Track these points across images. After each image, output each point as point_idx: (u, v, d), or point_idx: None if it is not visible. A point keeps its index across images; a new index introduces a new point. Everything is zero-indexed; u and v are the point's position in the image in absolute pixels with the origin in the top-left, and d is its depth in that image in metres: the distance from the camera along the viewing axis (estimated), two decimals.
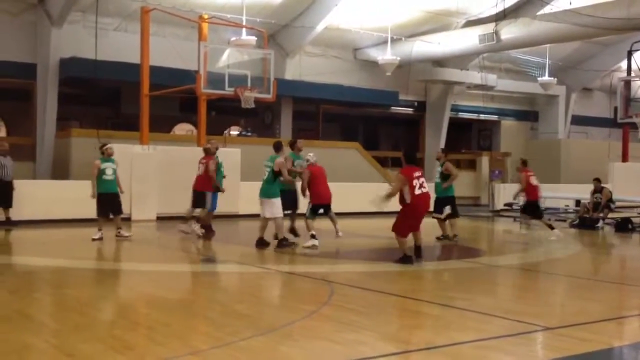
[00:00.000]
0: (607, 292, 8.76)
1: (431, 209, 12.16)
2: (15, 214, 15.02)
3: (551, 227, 14.47)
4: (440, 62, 26.08)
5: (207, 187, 13.28)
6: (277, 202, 11.75)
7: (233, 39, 19.71)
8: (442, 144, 27.48)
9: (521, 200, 15.41)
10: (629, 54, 25.11)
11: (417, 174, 9.82)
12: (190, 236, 13.24)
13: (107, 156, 12.85)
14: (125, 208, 16.16)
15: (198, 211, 13.52)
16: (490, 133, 31.64)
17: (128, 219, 16.20)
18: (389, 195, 9.80)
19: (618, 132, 27.78)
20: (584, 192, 18.65)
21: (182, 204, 15.99)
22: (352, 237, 14.44)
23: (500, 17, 21.89)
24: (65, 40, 19.04)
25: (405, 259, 9.93)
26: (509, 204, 20.97)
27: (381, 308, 7.36)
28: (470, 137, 32.57)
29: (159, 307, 7.40)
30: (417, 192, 9.68)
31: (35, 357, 5.32)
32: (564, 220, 18.79)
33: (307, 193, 12.55)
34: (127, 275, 9.87)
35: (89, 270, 9.77)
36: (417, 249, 10.09)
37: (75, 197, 16.14)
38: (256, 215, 14.02)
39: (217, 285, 9.12)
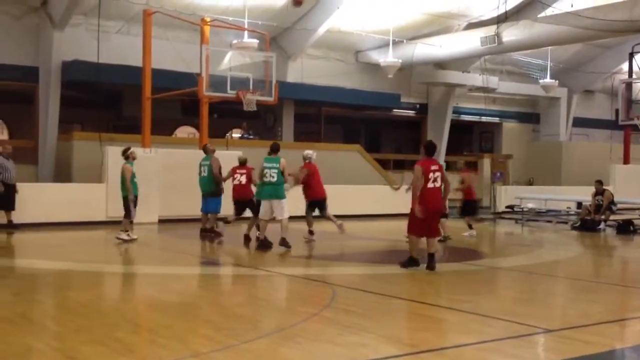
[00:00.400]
0: (609, 294, 8.76)
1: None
2: (18, 216, 15.03)
3: (470, 227, 14.77)
4: (441, 64, 26.07)
5: (248, 194, 13.32)
6: (286, 202, 11.79)
7: (235, 41, 19.72)
8: (444, 147, 27.47)
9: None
10: (631, 56, 25.10)
11: (434, 167, 9.53)
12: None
13: (132, 160, 13.07)
14: None
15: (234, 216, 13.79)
16: (492, 135, 31.62)
17: (130, 222, 16.21)
18: (415, 187, 9.50)
19: (619, 134, 27.75)
20: (586, 194, 18.64)
21: (184, 206, 16.04)
22: (354, 239, 14.45)
23: (502, 19, 21.89)
24: (67, 43, 19.06)
25: (410, 262, 9.66)
26: (511, 206, 20.99)
27: (383, 310, 7.36)
28: (471, 140, 32.55)
29: (160, 309, 7.41)
30: (430, 185, 9.40)
31: (37, 359, 5.33)
32: (566, 223, 18.79)
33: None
34: (129, 277, 9.88)
35: (91, 273, 9.78)
36: (429, 257, 9.62)
37: (78, 200, 16.21)
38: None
39: (219, 288, 9.13)
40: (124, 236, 12.90)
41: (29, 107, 20.38)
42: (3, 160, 14.99)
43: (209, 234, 13.85)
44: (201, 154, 15.25)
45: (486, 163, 27.64)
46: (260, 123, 24.90)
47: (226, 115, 23.46)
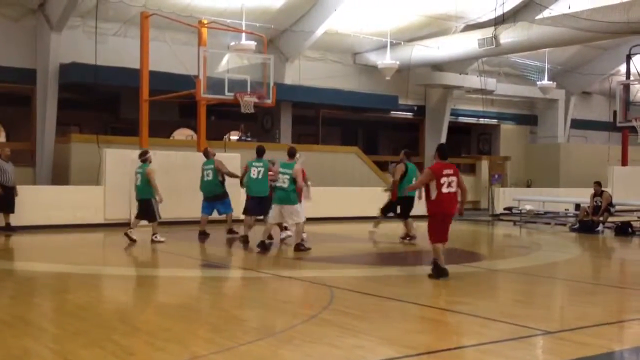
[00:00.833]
0: (608, 296, 8.76)
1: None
2: (15, 219, 15.01)
3: (375, 225, 14.33)
4: (439, 66, 26.09)
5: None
6: (298, 207, 11.78)
7: (232, 44, 19.73)
8: None
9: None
10: (628, 58, 25.12)
11: (447, 171, 9.17)
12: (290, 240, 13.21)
13: (149, 162, 13.27)
14: (125, 213, 16.26)
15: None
16: (490, 137, 31.63)
17: (128, 224, 16.21)
18: (414, 186, 9.32)
19: (617, 135, 27.78)
20: (584, 196, 18.65)
21: (182, 209, 16.02)
22: (352, 241, 14.47)
23: (499, 21, 21.91)
24: (65, 46, 19.04)
25: (438, 272, 9.17)
26: (509, 208, 21.00)
27: (381, 313, 7.36)
28: (469, 141, 32.56)
29: (159, 312, 7.41)
30: (445, 190, 9.04)
31: None
32: (564, 224, 18.80)
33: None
34: (127, 280, 9.86)
35: (89, 276, 9.76)
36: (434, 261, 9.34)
37: (75, 202, 16.19)
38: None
39: (217, 290, 9.12)
40: (160, 238, 13.09)
41: (26, 110, 20.36)
42: (1, 163, 14.97)
43: (232, 235, 14.03)
44: (199, 156, 15.27)
45: (484, 165, 27.66)
46: (258, 125, 24.92)
47: (224, 118, 23.47)
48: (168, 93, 17.22)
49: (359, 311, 7.23)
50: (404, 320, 7.06)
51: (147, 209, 13.12)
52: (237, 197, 14.69)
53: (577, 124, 32.00)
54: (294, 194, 11.81)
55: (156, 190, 13.01)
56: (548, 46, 23.47)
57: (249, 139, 22.34)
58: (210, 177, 14.02)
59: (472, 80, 26.30)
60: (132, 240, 12.92)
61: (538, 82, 27.41)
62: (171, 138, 25.29)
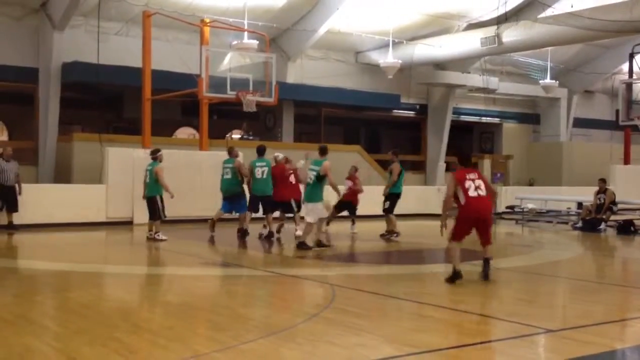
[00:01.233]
0: (610, 295, 8.75)
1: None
2: (18, 217, 15.03)
3: (327, 224, 14.50)
4: (441, 65, 26.07)
5: (296, 195, 13.51)
6: (319, 206, 11.80)
7: (235, 42, 19.72)
8: (444, 147, 27.47)
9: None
10: (631, 57, 25.08)
11: (471, 175, 9.03)
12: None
13: (160, 161, 13.34)
14: (127, 212, 16.28)
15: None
16: (492, 136, 31.61)
17: (130, 223, 16.25)
18: (445, 202, 9.28)
19: (620, 134, 27.75)
20: (586, 194, 18.64)
21: (184, 207, 16.04)
22: (354, 240, 14.46)
23: (502, 20, 21.89)
24: (67, 45, 19.06)
25: (454, 276, 9.07)
26: (511, 207, 20.98)
27: (383, 311, 7.36)
28: (472, 140, 32.54)
29: (161, 310, 7.42)
30: (472, 194, 8.91)
31: None
32: (566, 223, 18.78)
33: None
34: (129, 278, 9.86)
35: (91, 274, 9.78)
36: (485, 260, 9.30)
37: (77, 201, 16.21)
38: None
39: (220, 289, 9.12)
40: (163, 236, 13.11)
41: (28, 109, 20.38)
42: (1, 162, 14.96)
43: (243, 234, 14.00)
44: (202, 155, 15.29)
45: (486, 164, 27.64)
46: (260, 124, 24.92)
47: (226, 116, 23.48)
48: (170, 92, 17.23)
49: (360, 309, 7.23)
50: (405, 318, 7.06)
51: (152, 206, 13.21)
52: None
53: (579, 123, 31.97)
54: (317, 191, 11.79)
55: (166, 188, 13.12)
56: (550, 45, 23.45)
57: (251, 137, 22.35)
58: (229, 176, 13.96)
59: (475, 79, 26.28)
60: (162, 240, 13.04)
61: (540, 81, 27.38)
62: (173, 137, 25.30)
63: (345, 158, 22.28)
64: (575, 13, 20.26)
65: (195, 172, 17.15)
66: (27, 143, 20.18)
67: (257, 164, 13.57)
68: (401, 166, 14.39)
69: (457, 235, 9.16)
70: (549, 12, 22.30)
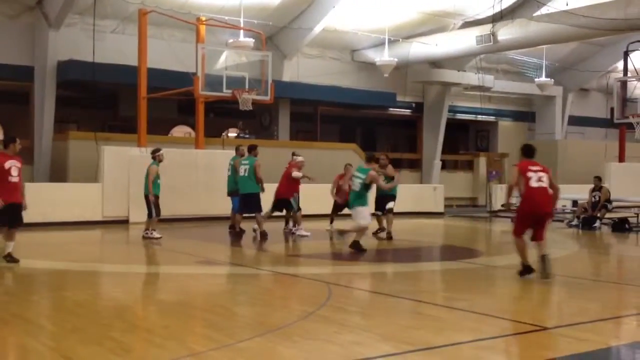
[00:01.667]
0: (605, 292, 8.78)
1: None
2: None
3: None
4: (437, 63, 26.09)
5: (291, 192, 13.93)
6: (364, 210, 11.80)
7: (231, 40, 19.69)
8: (440, 146, 27.51)
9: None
10: (625, 55, 25.16)
11: (534, 167, 9.05)
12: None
13: (158, 161, 13.33)
14: (123, 211, 16.27)
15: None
16: (488, 134, 31.66)
17: (126, 222, 16.23)
18: (508, 190, 9.28)
19: (615, 132, 27.82)
20: (581, 192, 18.67)
21: (180, 206, 16.03)
22: (350, 238, 14.45)
23: (497, 18, 21.92)
24: (62, 43, 19.03)
25: (525, 271, 9.11)
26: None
27: (379, 309, 7.37)
28: (467, 138, 32.59)
29: (157, 309, 7.41)
30: (534, 185, 8.93)
31: (33, 359, 5.32)
32: (561, 221, 18.81)
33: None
34: (125, 277, 9.85)
35: (87, 273, 9.76)
36: (541, 258, 9.12)
37: (73, 199, 16.18)
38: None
39: (215, 287, 9.12)
40: (157, 234, 13.16)
41: (24, 107, 20.35)
42: None
43: (236, 231, 14.09)
44: (197, 153, 15.26)
45: (482, 162, 27.69)
46: (256, 122, 24.91)
47: (222, 115, 23.47)
48: (166, 90, 17.22)
49: (356, 308, 7.24)
50: (401, 316, 7.07)
51: (146, 205, 13.24)
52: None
53: (574, 121, 32.04)
54: (364, 197, 11.80)
55: (149, 187, 13.20)
56: (546, 43, 23.48)
57: (247, 136, 22.32)
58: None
59: (470, 77, 26.31)
60: (156, 238, 13.12)
61: (536, 79, 27.43)
62: (169, 135, 25.27)
63: (341, 156, 22.30)
64: (571, 11, 20.28)
65: (191, 171, 17.15)
66: (22, 142, 19.94)
67: (242, 162, 13.77)
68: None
69: (518, 229, 9.15)
70: (544, 10, 22.32)
